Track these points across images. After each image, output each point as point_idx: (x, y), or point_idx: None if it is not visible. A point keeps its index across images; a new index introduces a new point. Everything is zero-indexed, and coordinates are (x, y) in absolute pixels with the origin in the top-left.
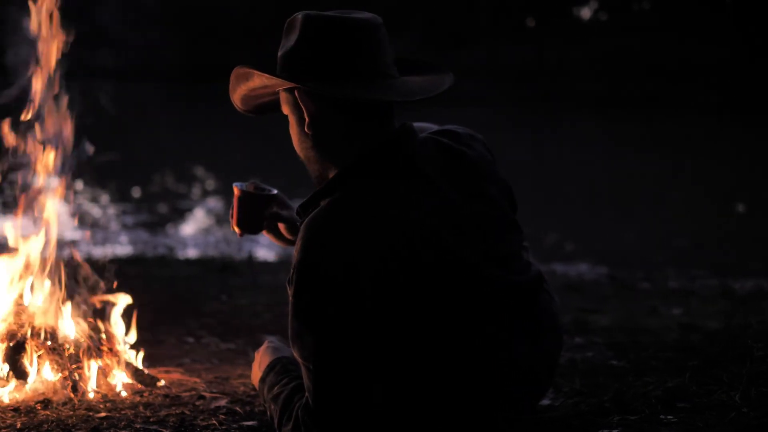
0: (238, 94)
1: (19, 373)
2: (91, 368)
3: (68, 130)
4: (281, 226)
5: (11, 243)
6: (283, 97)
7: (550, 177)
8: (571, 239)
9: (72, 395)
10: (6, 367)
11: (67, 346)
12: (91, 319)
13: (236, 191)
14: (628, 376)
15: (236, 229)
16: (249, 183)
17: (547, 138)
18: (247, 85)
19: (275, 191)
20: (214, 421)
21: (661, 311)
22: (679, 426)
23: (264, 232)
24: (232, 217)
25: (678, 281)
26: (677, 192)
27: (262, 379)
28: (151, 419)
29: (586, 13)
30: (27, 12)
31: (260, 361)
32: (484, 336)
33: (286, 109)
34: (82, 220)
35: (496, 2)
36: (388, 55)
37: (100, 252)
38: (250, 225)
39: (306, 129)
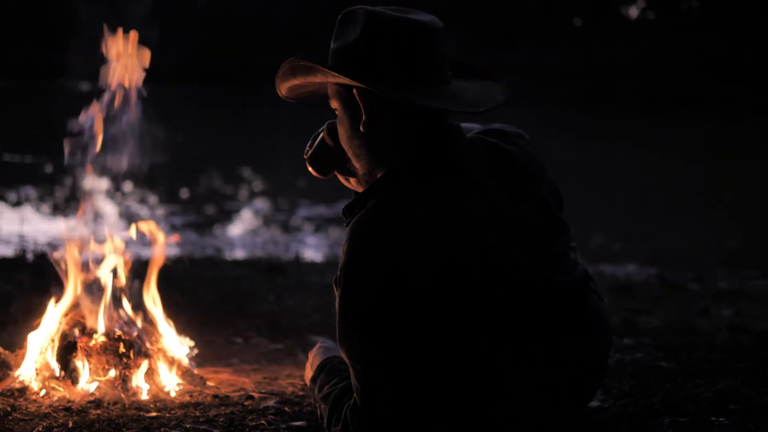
0: (288, 84)
1: (71, 373)
2: (142, 368)
3: (118, 133)
4: (353, 180)
5: (64, 245)
6: (335, 90)
7: (597, 177)
8: (619, 240)
9: (122, 395)
10: (58, 366)
11: (117, 346)
12: (141, 320)
13: (325, 135)
14: (678, 377)
15: (308, 165)
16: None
17: (594, 138)
18: (306, 78)
19: None
20: (263, 422)
21: (711, 312)
22: (731, 428)
23: (336, 173)
24: (309, 148)
25: (728, 282)
26: (726, 192)
27: (313, 379)
28: (201, 419)
29: (633, 12)
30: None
31: (312, 361)
32: (532, 336)
33: (336, 104)
34: (131, 220)
35: (542, 2)
36: (446, 59)
37: (149, 253)
38: (322, 168)
39: (361, 127)
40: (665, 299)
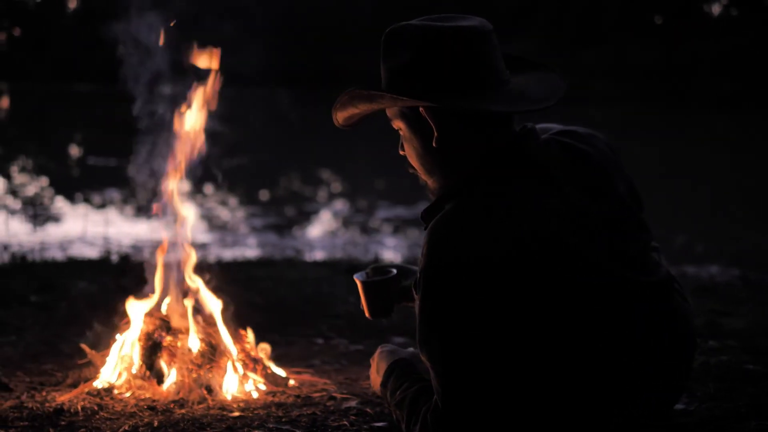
0: (347, 113)
1: (156, 373)
2: (225, 368)
3: (199, 135)
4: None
5: (146, 247)
6: (397, 112)
7: (680, 176)
8: (702, 240)
9: (206, 395)
10: (143, 366)
11: (201, 346)
12: (223, 320)
13: (358, 284)
14: (764, 380)
15: (370, 318)
16: (369, 269)
17: (677, 137)
18: (369, 106)
19: (394, 271)
20: (345, 422)
21: None
22: None
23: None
24: (363, 306)
25: None
26: None
27: (383, 384)
28: (283, 419)
29: (716, 9)
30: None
31: (377, 367)
32: (614, 338)
33: (400, 124)
34: (212, 222)
35: (622, 0)
36: (501, 59)
37: (230, 254)
38: (380, 310)
39: (433, 143)
40: (750, 301)
